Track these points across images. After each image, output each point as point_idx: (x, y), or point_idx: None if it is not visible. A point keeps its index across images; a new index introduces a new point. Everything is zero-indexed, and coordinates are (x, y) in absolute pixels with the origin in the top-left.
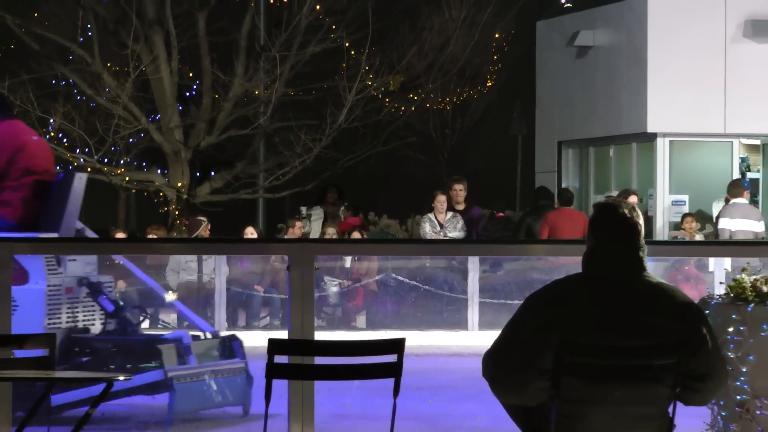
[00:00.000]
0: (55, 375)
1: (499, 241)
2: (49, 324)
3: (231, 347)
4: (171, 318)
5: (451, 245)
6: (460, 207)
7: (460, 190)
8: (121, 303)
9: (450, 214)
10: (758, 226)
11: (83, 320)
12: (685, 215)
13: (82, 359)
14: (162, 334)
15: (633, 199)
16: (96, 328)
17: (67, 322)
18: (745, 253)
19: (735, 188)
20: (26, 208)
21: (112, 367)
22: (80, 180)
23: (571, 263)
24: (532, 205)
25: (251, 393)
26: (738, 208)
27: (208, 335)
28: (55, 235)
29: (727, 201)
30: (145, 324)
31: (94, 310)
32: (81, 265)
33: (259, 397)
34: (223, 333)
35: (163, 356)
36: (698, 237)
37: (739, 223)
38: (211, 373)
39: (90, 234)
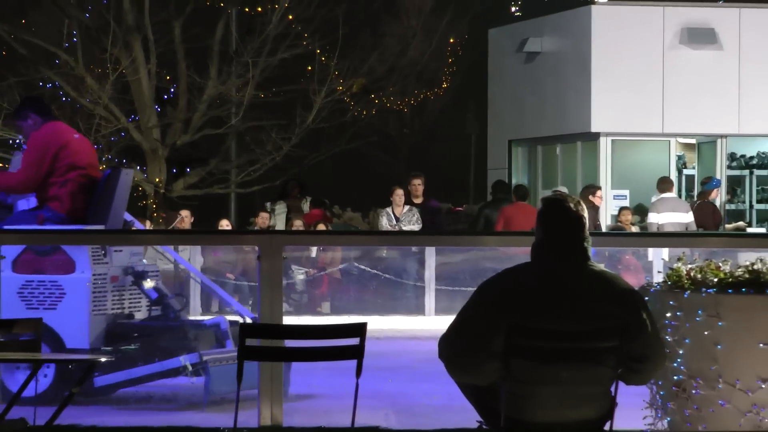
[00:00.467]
0: (40, 357)
1: (455, 233)
2: (94, 311)
3: None
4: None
5: (411, 236)
6: (418, 200)
7: (418, 185)
8: (165, 291)
9: (407, 208)
10: (686, 218)
11: (129, 307)
12: (622, 208)
13: (127, 344)
14: (202, 320)
15: (599, 193)
16: (142, 314)
17: (112, 309)
18: (681, 243)
19: (663, 184)
20: (74, 202)
21: (138, 347)
22: (127, 176)
23: (520, 253)
24: (490, 199)
25: (288, 375)
26: (665, 202)
27: (248, 320)
28: (102, 227)
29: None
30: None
31: (139, 298)
32: (127, 255)
33: (294, 378)
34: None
35: (201, 341)
36: (634, 229)
37: (665, 217)
38: None
39: (138, 226)
